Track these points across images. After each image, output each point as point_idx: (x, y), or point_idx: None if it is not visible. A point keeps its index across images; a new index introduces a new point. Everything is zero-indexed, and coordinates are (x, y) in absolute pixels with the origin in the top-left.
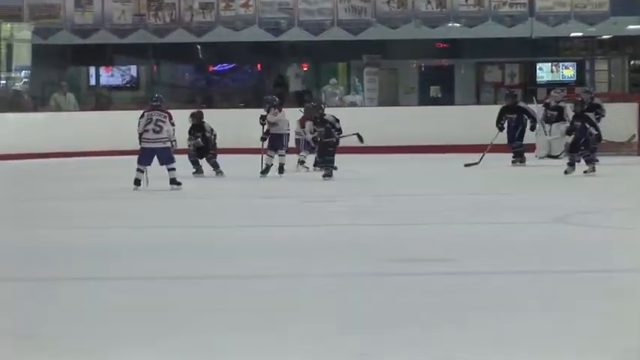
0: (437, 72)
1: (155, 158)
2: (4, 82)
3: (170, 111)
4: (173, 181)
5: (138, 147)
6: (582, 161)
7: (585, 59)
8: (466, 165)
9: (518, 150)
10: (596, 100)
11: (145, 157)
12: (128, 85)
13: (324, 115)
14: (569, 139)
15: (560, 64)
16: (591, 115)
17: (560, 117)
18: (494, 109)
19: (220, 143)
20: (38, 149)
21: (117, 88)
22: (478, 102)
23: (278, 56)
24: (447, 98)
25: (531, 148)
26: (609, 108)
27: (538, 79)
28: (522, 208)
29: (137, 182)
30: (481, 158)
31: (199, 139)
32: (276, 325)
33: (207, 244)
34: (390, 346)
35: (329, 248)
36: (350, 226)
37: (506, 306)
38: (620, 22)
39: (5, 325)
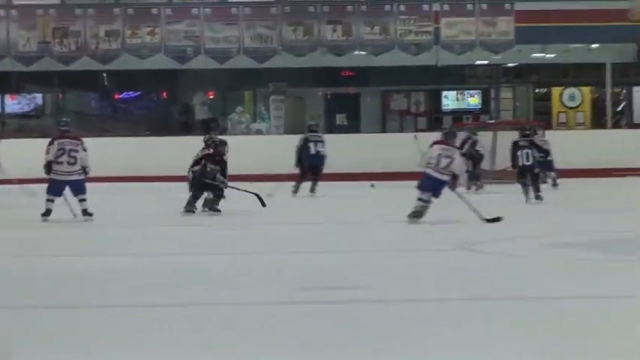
0: (343, 100)
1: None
2: None
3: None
4: (85, 212)
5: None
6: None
7: (490, 87)
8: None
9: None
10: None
11: (56, 187)
12: (33, 113)
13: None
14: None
15: (466, 92)
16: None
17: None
18: (400, 137)
19: (124, 171)
20: None
21: (23, 116)
22: (384, 130)
23: (184, 84)
24: (353, 126)
25: None
26: (513, 136)
27: (443, 107)
28: (424, 235)
29: (47, 213)
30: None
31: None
32: (180, 356)
33: (116, 273)
34: None
35: (239, 276)
36: (261, 254)
37: (415, 333)
38: (525, 50)
39: None
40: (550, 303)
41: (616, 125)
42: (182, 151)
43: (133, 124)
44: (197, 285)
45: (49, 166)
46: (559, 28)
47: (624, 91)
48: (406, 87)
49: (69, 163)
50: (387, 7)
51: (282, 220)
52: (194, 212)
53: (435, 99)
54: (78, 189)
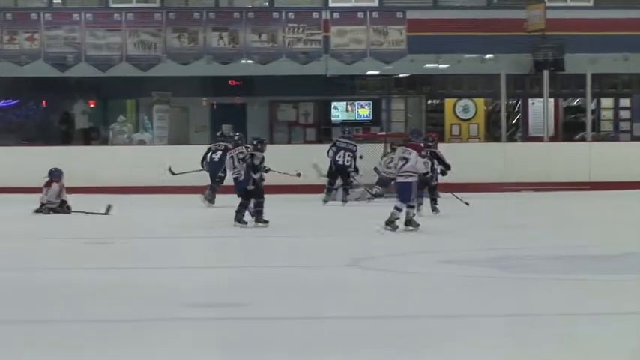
0: (229, 110)
1: None
2: None
3: None
4: None
5: None
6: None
7: (381, 98)
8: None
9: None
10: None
11: None
12: None
13: None
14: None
15: (356, 102)
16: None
17: None
18: (288, 149)
19: (1, 182)
20: None
21: None
22: (271, 141)
23: (64, 92)
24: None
25: None
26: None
27: (333, 119)
28: (320, 250)
29: None
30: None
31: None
32: None
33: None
34: None
35: (119, 292)
36: (140, 269)
37: (302, 351)
38: (418, 60)
39: None
40: (431, 321)
41: (511, 138)
42: (62, 161)
43: (10, 133)
44: (76, 299)
45: None
46: (453, 37)
47: (519, 103)
48: (294, 97)
49: None
50: (275, 15)
51: (167, 234)
52: (247, 224)
53: (324, 110)
54: None
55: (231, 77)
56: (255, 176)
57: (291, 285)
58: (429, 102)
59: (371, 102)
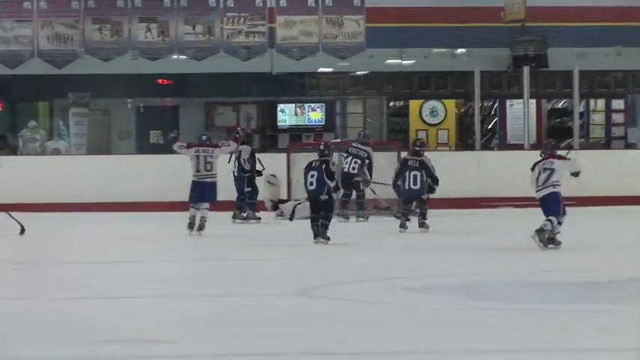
0: (159, 113)
1: None
2: None
3: None
4: None
5: None
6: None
7: (336, 99)
8: None
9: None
10: None
11: None
12: None
13: None
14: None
15: (306, 105)
16: None
17: None
18: (227, 157)
19: None
20: None
21: None
22: None
23: None
24: (172, 145)
25: None
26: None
27: (280, 123)
28: (264, 278)
29: None
30: None
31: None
32: None
33: None
34: None
35: (23, 326)
36: (45, 300)
37: None
38: (378, 56)
39: None
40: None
41: (486, 146)
42: None
43: None
44: None
45: None
46: (418, 29)
47: (496, 104)
48: (234, 99)
49: None
50: (212, 3)
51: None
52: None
53: (270, 113)
54: None
55: (161, 75)
56: (332, 184)
57: (225, 319)
58: (391, 104)
59: (324, 104)
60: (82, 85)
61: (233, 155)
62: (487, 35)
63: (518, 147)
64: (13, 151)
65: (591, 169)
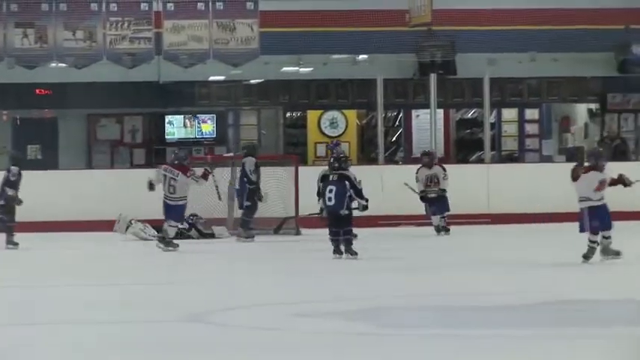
0: (36, 126)
1: None
2: None
3: None
4: None
5: None
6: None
7: (228, 110)
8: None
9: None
10: None
11: None
12: None
13: None
14: None
15: (197, 116)
16: None
17: None
18: (111, 174)
19: None
20: None
21: None
22: (90, 165)
23: None
24: (50, 161)
25: None
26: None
27: (168, 137)
28: (158, 303)
29: None
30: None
31: None
32: None
33: None
34: None
35: None
36: None
37: None
38: (273, 63)
39: None
40: None
41: (390, 160)
42: None
43: None
44: None
45: None
46: (317, 34)
47: (400, 115)
48: (118, 110)
49: None
50: (94, 6)
51: None
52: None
53: (157, 125)
54: None
55: (39, 85)
56: (363, 202)
57: (113, 345)
58: (288, 115)
59: (215, 115)
60: None
61: (237, 170)
62: (391, 40)
63: None
64: None
65: (504, 184)
